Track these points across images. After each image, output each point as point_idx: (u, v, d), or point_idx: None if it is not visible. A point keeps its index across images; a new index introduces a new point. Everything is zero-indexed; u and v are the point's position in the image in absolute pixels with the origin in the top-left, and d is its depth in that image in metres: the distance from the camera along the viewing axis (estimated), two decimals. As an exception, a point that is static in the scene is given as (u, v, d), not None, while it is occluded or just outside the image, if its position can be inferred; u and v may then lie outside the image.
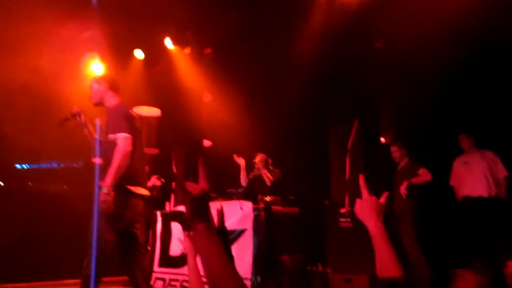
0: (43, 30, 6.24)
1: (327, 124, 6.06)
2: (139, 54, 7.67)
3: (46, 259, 7.79)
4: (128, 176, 3.58)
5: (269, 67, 7.05)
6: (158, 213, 5.93)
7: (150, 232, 5.94)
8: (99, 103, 3.89)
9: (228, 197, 5.25)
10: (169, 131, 7.69)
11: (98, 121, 4.03)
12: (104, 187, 3.47)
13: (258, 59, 7.25)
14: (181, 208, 5.73)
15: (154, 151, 7.86)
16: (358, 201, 1.53)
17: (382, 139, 7.11)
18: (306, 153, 6.80)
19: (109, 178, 3.46)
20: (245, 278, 4.71)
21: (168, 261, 5.59)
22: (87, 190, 8.61)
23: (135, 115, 3.85)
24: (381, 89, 6.42)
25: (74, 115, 3.99)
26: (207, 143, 7.61)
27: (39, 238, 8.23)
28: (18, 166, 8.91)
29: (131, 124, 3.66)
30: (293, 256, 5.11)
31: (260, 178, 6.02)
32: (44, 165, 9.59)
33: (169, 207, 6.29)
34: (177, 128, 7.45)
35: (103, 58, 7.42)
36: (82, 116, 3.98)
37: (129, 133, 3.56)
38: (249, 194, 5.17)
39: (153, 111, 7.69)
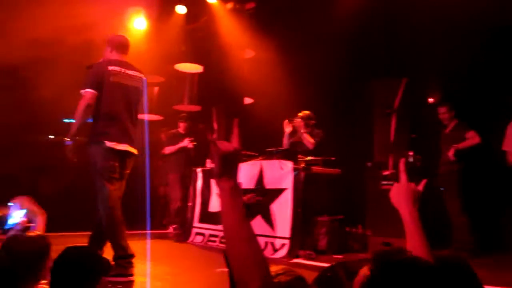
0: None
1: (372, 82, 5.79)
2: (181, 9, 7.56)
3: (92, 209, 8.17)
4: (105, 131, 3.79)
5: (312, 22, 6.78)
6: (199, 170, 6.01)
7: (191, 188, 6.06)
8: None
9: (269, 156, 5.20)
10: (210, 88, 7.66)
11: None
12: (66, 138, 3.80)
13: (301, 14, 6.98)
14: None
15: (196, 107, 7.90)
16: (395, 185, 1.47)
17: (430, 99, 6.78)
18: (349, 112, 6.60)
19: (71, 129, 3.80)
20: (284, 237, 4.75)
21: (208, 217, 5.72)
22: (136, 145, 8.84)
23: (116, 71, 3.92)
24: (429, 46, 6.04)
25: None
26: (248, 100, 7.55)
27: (87, 189, 8.61)
28: (66, 120, 9.20)
29: (105, 81, 3.82)
30: (332, 217, 5.08)
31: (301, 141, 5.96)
32: (90, 120, 9.88)
33: (209, 164, 6.35)
34: (219, 85, 7.39)
35: (146, 14, 7.39)
36: None
37: (92, 89, 3.76)
38: (290, 154, 5.10)
39: (194, 68, 7.67)
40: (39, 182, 8.20)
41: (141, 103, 4.23)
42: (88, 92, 3.74)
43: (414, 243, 1.32)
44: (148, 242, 5.68)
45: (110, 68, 3.88)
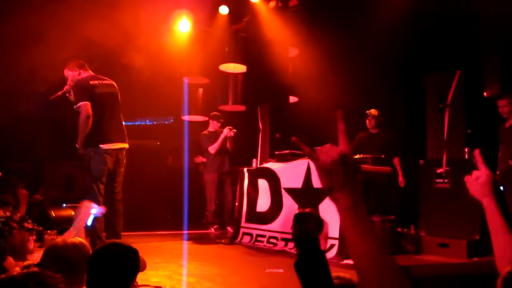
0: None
1: (424, 75, 5.54)
2: (224, 10, 7.58)
3: (139, 210, 8.35)
4: (101, 136, 4.46)
5: (358, 17, 6.59)
6: (245, 170, 5.97)
7: (238, 188, 6.03)
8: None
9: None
10: (255, 87, 7.62)
11: None
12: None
13: (347, 9, 6.80)
14: (267, 164, 5.71)
15: (241, 107, 7.89)
16: (474, 174, 1.32)
17: (486, 92, 6.41)
18: (399, 108, 6.36)
19: (79, 140, 4.45)
20: (333, 238, 4.62)
21: (255, 217, 5.66)
22: (177, 145, 8.97)
23: (97, 84, 4.58)
24: (485, 36, 5.71)
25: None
26: (293, 99, 7.45)
27: (134, 191, 8.81)
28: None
29: (92, 94, 4.49)
30: (383, 217, 4.89)
31: (363, 140, 5.85)
32: (138, 122, 10.13)
33: (255, 163, 6.31)
34: (263, 84, 7.34)
35: (190, 16, 7.46)
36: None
37: (87, 101, 4.41)
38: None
39: (238, 68, 7.66)
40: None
41: (119, 104, 4.82)
42: (85, 104, 4.39)
43: (499, 239, 1.18)
44: (185, 242, 5.73)
45: (92, 82, 4.55)
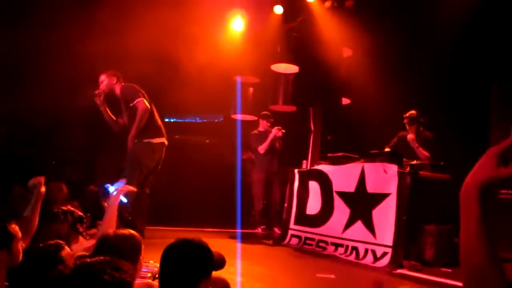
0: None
1: (490, 84, 5.26)
2: (278, 9, 7.53)
3: (187, 205, 8.45)
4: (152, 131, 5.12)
5: (417, 19, 6.36)
6: (296, 171, 5.89)
7: (287, 189, 5.97)
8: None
9: (371, 158, 4.93)
10: (307, 88, 7.52)
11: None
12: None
13: (404, 10, 6.58)
14: (319, 166, 5.61)
15: (291, 108, 7.82)
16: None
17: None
18: (462, 115, 6.07)
19: (135, 131, 4.87)
20: (386, 245, 4.47)
21: (305, 219, 5.57)
22: (226, 143, 9.03)
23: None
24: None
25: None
26: (346, 100, 7.30)
27: (182, 187, 8.94)
28: (166, 119, 9.66)
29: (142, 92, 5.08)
30: (440, 226, 4.67)
31: (403, 140, 5.61)
32: (189, 119, 10.26)
33: (305, 164, 6.22)
34: (315, 85, 7.23)
35: (244, 15, 7.47)
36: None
37: (142, 98, 4.98)
38: (395, 156, 4.78)
39: (290, 68, 7.59)
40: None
41: None
42: (142, 100, 4.81)
43: None
44: (239, 241, 5.72)
45: (138, 87, 5.05)
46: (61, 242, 2.03)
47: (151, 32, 6.41)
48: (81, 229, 2.71)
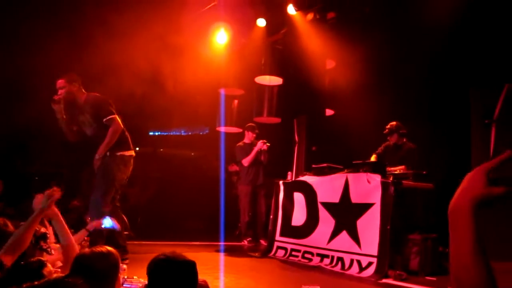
0: (171, 3, 6.48)
1: (470, 89, 5.35)
2: (261, 22, 7.60)
3: (173, 219, 8.40)
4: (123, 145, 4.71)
5: (397, 28, 6.46)
6: (281, 182, 5.90)
7: (273, 201, 5.97)
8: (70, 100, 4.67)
9: (355, 169, 4.97)
10: (291, 99, 7.57)
11: None
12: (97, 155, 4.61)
13: (385, 21, 6.69)
14: (304, 178, 5.62)
15: (276, 120, 7.86)
16: None
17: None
18: (441, 123, 6.16)
19: (105, 149, 4.54)
20: (371, 255, 4.48)
21: (290, 230, 5.57)
22: (212, 155, 9.00)
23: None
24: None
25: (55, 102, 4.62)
26: (329, 111, 7.36)
27: (167, 200, 8.90)
28: (151, 133, 9.65)
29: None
30: (425, 235, 4.70)
31: (389, 149, 5.68)
32: (174, 133, 10.26)
33: (291, 176, 6.24)
34: (300, 96, 7.29)
35: (227, 28, 7.51)
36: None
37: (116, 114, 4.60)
38: (378, 166, 4.83)
39: (274, 80, 7.65)
40: (127, 192, 8.55)
41: None
42: (116, 118, 4.55)
43: None
44: (221, 254, 5.68)
45: (110, 100, 4.71)
46: (42, 259, 2.00)
47: (135, 45, 6.41)
48: (45, 246, 2.65)
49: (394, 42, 6.42)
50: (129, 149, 4.67)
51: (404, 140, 5.67)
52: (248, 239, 6.70)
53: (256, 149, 6.67)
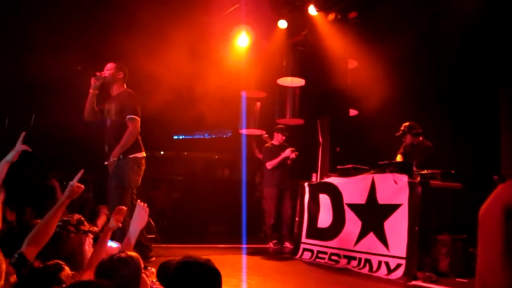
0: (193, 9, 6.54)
1: (499, 85, 5.22)
2: (282, 24, 7.59)
3: (197, 222, 8.45)
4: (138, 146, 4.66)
5: (420, 26, 6.35)
6: (306, 184, 5.87)
7: (298, 203, 5.95)
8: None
9: (381, 169, 4.90)
10: (314, 100, 7.54)
11: None
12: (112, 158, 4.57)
13: (407, 19, 6.59)
14: (329, 179, 5.58)
15: (299, 121, 7.83)
16: None
17: None
18: (470, 121, 6.03)
19: (123, 149, 4.50)
20: (400, 257, 4.42)
21: (316, 232, 5.53)
22: (235, 158, 9.03)
23: None
24: None
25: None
26: (353, 111, 7.30)
27: (193, 203, 8.96)
28: (175, 137, 9.76)
29: None
30: (454, 235, 4.61)
31: (407, 149, 5.63)
32: (197, 136, 10.34)
33: (315, 177, 6.21)
34: (322, 97, 7.24)
35: (249, 31, 7.53)
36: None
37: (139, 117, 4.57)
38: (405, 166, 4.75)
39: (296, 81, 7.63)
40: (152, 195, 8.65)
41: None
42: (138, 121, 4.53)
43: None
44: (244, 256, 5.69)
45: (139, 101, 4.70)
46: (60, 262, 1.98)
47: (159, 51, 6.50)
48: (86, 228, 2.63)
49: (419, 39, 6.31)
50: (141, 150, 4.64)
51: (421, 138, 5.62)
52: (273, 242, 6.69)
53: (283, 155, 6.65)
